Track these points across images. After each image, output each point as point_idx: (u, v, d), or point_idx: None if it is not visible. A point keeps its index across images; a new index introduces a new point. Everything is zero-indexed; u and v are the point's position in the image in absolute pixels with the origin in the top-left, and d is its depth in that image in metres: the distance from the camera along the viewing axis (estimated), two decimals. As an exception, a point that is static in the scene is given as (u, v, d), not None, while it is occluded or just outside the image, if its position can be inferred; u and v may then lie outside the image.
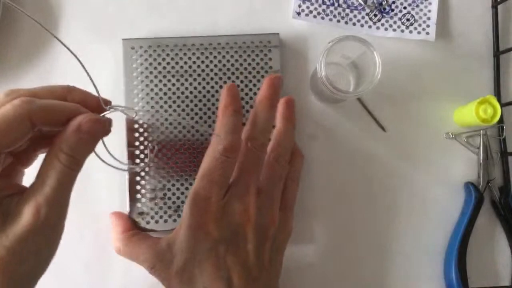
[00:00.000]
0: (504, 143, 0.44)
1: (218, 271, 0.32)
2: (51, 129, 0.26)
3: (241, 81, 0.41)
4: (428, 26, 0.45)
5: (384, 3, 0.44)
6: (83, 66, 0.26)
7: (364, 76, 0.39)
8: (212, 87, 0.41)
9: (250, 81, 0.41)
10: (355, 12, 0.44)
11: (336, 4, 0.44)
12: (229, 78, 0.41)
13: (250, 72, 0.41)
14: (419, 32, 0.45)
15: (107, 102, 0.29)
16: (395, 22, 0.44)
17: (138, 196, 0.40)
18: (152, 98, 0.40)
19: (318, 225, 0.42)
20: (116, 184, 0.41)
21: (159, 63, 0.40)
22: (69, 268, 0.40)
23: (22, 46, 0.43)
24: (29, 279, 0.26)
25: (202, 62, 0.41)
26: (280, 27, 0.43)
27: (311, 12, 0.44)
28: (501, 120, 0.44)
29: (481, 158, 0.43)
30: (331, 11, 0.44)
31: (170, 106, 0.40)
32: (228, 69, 0.41)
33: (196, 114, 0.40)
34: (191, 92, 0.41)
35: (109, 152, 0.30)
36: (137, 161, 0.39)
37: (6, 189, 0.26)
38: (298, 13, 0.44)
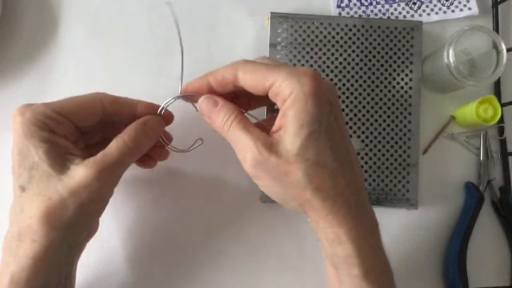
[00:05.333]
0: (504, 143, 0.44)
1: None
2: (117, 116, 0.33)
3: (378, 61, 0.43)
4: (468, 1, 0.45)
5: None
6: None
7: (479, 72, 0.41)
8: (353, 67, 0.42)
9: (390, 64, 0.43)
10: (394, 5, 0.45)
11: (374, 3, 0.44)
12: (369, 60, 0.43)
13: (391, 57, 0.43)
14: (461, 10, 0.45)
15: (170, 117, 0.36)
16: (435, 5, 0.45)
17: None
18: None
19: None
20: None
21: (304, 39, 0.42)
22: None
23: (22, 46, 0.43)
24: (69, 228, 0.29)
25: (345, 42, 0.43)
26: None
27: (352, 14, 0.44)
28: (501, 120, 0.44)
29: (481, 158, 0.43)
30: (371, 10, 0.45)
31: None
32: (370, 52, 0.43)
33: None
34: (330, 69, 0.42)
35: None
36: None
37: (70, 149, 0.31)
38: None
